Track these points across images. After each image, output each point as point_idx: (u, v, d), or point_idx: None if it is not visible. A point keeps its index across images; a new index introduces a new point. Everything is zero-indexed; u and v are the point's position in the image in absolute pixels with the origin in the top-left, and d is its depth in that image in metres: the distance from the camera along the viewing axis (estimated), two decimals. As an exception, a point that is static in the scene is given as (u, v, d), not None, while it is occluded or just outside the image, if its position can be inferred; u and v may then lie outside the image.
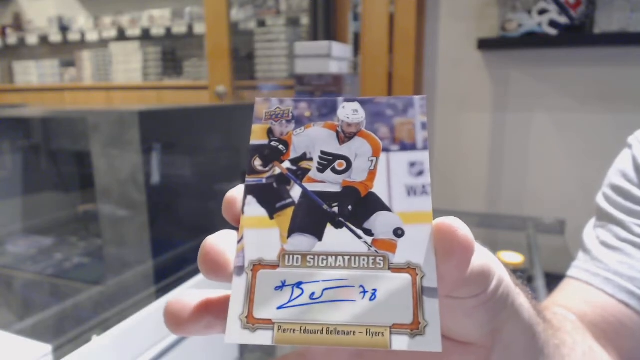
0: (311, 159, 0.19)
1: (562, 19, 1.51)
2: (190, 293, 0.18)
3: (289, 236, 0.18)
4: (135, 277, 0.88)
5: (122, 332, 0.57)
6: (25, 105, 1.43)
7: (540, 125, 1.69)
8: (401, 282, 0.16)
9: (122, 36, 3.01)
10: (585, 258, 0.47)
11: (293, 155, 0.19)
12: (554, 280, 0.52)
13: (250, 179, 0.19)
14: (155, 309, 0.62)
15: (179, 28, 2.82)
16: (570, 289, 0.46)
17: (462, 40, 1.73)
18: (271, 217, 0.18)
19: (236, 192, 0.19)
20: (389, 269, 0.17)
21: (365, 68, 1.81)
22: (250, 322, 0.16)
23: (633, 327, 0.42)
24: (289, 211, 0.18)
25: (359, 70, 1.84)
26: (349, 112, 0.19)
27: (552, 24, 1.53)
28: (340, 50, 0.92)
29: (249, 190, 0.18)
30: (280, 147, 0.19)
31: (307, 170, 0.19)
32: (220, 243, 0.18)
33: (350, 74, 0.93)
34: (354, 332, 0.16)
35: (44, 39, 3.25)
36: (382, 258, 0.17)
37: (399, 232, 0.17)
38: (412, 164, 0.18)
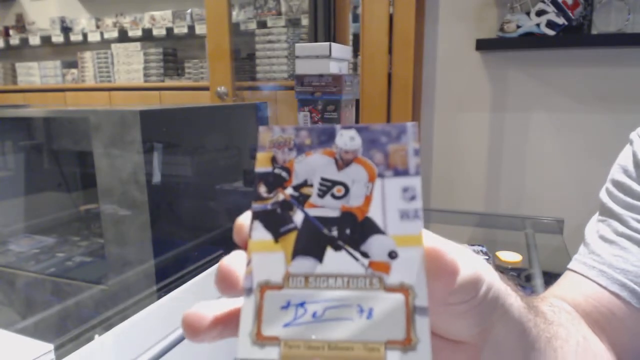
0: (312, 185, 0.21)
1: (560, 20, 1.52)
2: (205, 305, 0.20)
3: (292, 259, 0.19)
4: (137, 277, 0.89)
5: (124, 331, 0.57)
6: (27, 106, 1.44)
7: (539, 125, 1.69)
8: (395, 301, 0.18)
9: (123, 37, 3.02)
10: (584, 251, 0.49)
11: (295, 181, 0.21)
12: (552, 279, 0.52)
13: (257, 205, 0.20)
14: (157, 308, 0.63)
15: (180, 29, 2.83)
16: (567, 280, 0.48)
17: (461, 41, 1.73)
18: (276, 241, 0.19)
19: (244, 219, 0.21)
20: (384, 289, 0.18)
21: (365, 68, 1.82)
22: (259, 339, 0.18)
23: (623, 317, 0.43)
24: (292, 235, 0.20)
25: (359, 70, 1.84)
26: (347, 139, 0.21)
27: (550, 24, 1.54)
28: (340, 51, 0.93)
29: (256, 216, 0.20)
30: (283, 174, 0.21)
31: (308, 196, 0.20)
32: (234, 265, 0.20)
33: (350, 74, 0.94)
34: (352, 348, 0.17)
35: (46, 40, 3.26)
36: (377, 279, 0.18)
37: (392, 255, 0.19)
38: (405, 189, 0.20)
